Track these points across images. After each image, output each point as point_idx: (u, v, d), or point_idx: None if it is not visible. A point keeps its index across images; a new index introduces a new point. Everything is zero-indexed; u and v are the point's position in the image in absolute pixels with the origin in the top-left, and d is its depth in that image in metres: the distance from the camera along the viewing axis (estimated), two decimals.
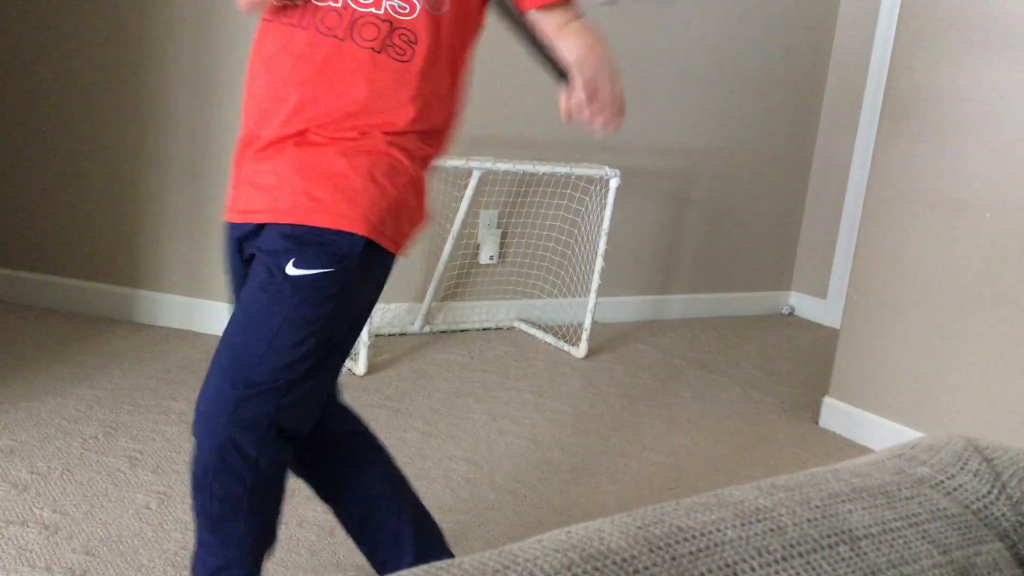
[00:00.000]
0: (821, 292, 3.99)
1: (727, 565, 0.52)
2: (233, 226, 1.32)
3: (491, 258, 3.23)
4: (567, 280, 3.41)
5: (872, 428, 2.57)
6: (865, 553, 0.56)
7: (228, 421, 1.21)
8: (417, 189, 1.30)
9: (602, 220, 3.10)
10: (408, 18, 1.23)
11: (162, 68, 2.78)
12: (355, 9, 1.22)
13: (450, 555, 1.47)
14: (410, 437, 2.28)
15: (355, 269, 1.23)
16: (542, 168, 2.85)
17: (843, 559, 0.55)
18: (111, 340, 2.71)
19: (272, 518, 1.33)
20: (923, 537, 0.59)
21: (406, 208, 1.28)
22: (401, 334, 3.08)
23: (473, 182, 2.93)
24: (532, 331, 3.24)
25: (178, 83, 2.78)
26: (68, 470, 1.92)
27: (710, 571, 0.51)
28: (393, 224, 1.25)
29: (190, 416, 2.23)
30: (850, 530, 0.57)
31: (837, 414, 2.66)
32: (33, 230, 2.91)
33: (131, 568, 1.61)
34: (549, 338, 3.17)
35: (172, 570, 1.62)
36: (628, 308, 3.62)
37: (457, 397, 2.58)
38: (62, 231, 2.90)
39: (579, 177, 3.34)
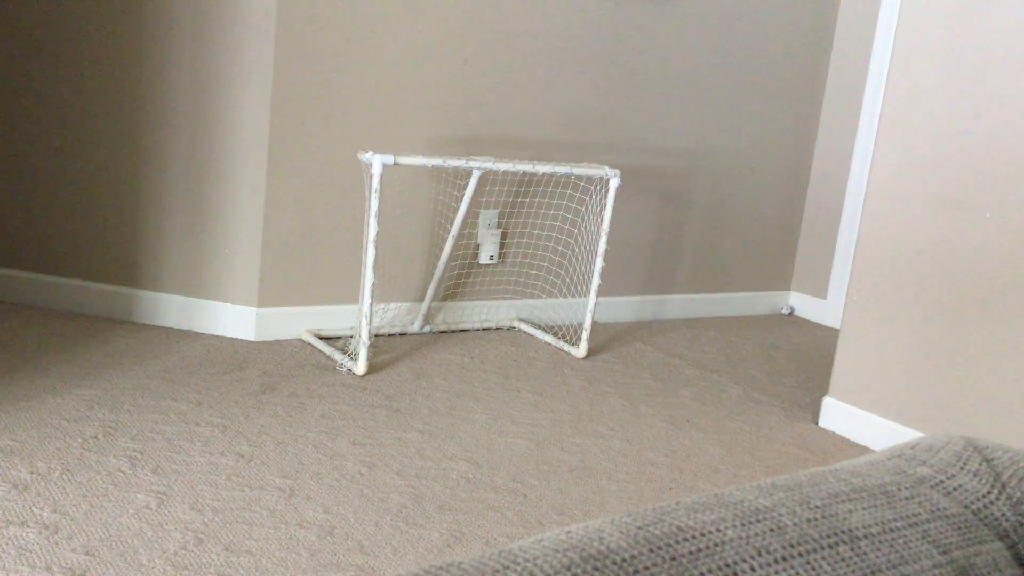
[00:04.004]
0: (821, 292, 3.99)
1: (727, 565, 0.52)
2: None
3: (491, 258, 3.23)
4: (567, 280, 3.41)
5: (872, 428, 2.57)
6: (865, 553, 0.56)
7: None
8: None
9: (602, 220, 3.10)
10: None
11: (162, 68, 2.78)
12: None
13: None
14: (410, 437, 2.28)
15: None
16: (542, 168, 2.85)
17: (843, 559, 0.55)
18: (111, 340, 2.71)
19: None
20: (923, 537, 0.59)
21: None
22: (401, 334, 3.08)
23: (473, 182, 2.93)
24: (532, 331, 3.24)
25: (178, 83, 2.78)
26: (68, 470, 1.92)
27: (710, 571, 0.51)
28: None
29: (190, 416, 2.24)
30: (850, 530, 0.57)
31: (837, 414, 2.66)
32: (33, 230, 2.91)
33: (131, 568, 1.61)
34: (549, 338, 3.17)
35: (172, 570, 1.62)
36: (628, 308, 3.62)
37: (457, 397, 2.58)
38: (62, 231, 2.90)
39: (579, 177, 3.34)
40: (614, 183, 2.98)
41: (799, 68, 3.86)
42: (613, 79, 3.36)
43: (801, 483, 0.62)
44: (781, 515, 0.57)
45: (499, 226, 3.25)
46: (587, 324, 3.05)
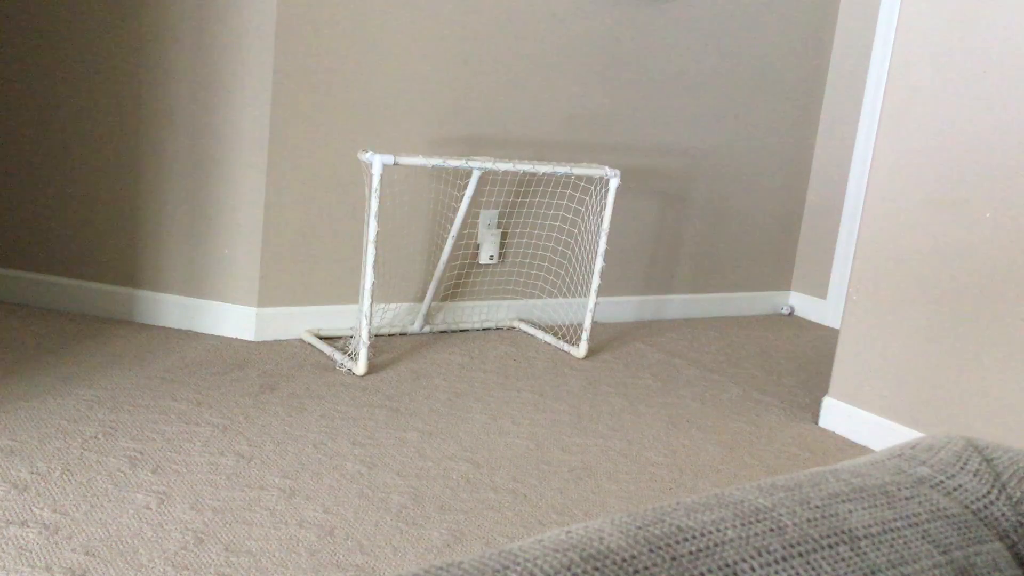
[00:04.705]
0: (821, 292, 3.99)
1: (727, 565, 0.52)
2: None
3: (491, 258, 3.23)
4: (567, 280, 3.41)
5: (872, 428, 2.57)
6: (865, 553, 0.56)
7: None
8: None
9: (602, 220, 3.10)
10: None
11: (162, 67, 2.78)
12: None
13: None
14: (410, 437, 2.28)
15: None
16: (542, 168, 2.85)
17: (843, 559, 0.55)
18: (111, 340, 2.71)
19: None
20: (923, 537, 0.59)
21: None
22: (401, 334, 3.08)
23: (473, 182, 2.93)
24: (532, 331, 3.24)
25: (178, 83, 2.78)
26: (68, 470, 1.92)
27: (710, 571, 0.51)
28: None
29: (190, 416, 2.24)
30: (850, 530, 0.57)
31: (837, 414, 2.66)
32: (33, 230, 2.91)
33: (131, 568, 1.61)
34: (549, 338, 3.17)
35: (172, 570, 1.62)
36: (628, 308, 3.62)
37: (457, 397, 2.58)
38: (62, 231, 2.90)
39: (579, 177, 3.34)
40: (614, 183, 2.98)
41: (799, 68, 3.86)
42: (613, 79, 3.36)
43: (801, 483, 0.62)
44: (781, 515, 0.57)
45: (499, 226, 3.25)
46: (587, 324, 3.05)
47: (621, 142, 3.43)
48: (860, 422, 2.60)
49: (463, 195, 3.10)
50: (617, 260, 3.54)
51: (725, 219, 3.80)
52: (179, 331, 2.86)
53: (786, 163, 3.93)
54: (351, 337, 2.97)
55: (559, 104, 3.26)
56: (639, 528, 0.53)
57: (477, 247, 3.22)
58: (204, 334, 2.86)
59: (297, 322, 2.91)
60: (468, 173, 3.10)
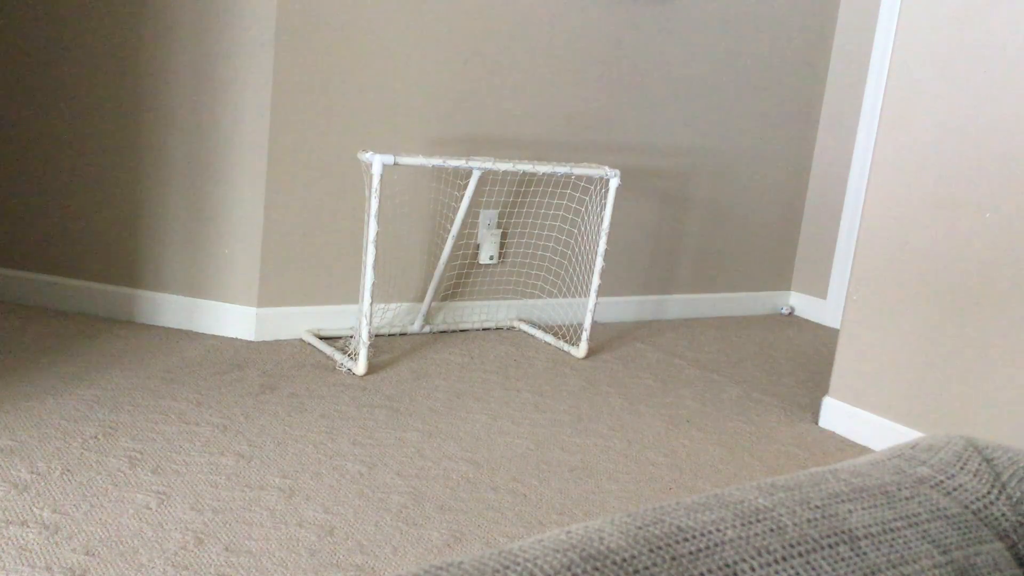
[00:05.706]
0: (821, 292, 3.99)
1: (727, 565, 0.52)
2: None
3: (491, 258, 3.23)
4: (567, 280, 3.41)
5: (872, 428, 2.57)
6: (865, 553, 0.56)
7: None
8: None
9: (602, 220, 3.10)
10: None
11: (162, 68, 2.78)
12: None
13: None
14: (410, 437, 2.28)
15: None
16: (542, 168, 2.85)
17: (843, 559, 0.55)
18: (111, 340, 2.71)
19: None
20: (923, 537, 0.59)
21: None
22: (401, 334, 3.08)
23: (473, 182, 2.93)
24: (532, 331, 3.24)
25: (178, 83, 2.78)
26: (68, 470, 1.92)
27: (710, 571, 0.51)
28: None
29: (190, 416, 2.24)
30: (850, 530, 0.57)
31: (837, 414, 2.66)
32: (33, 230, 2.91)
33: (131, 568, 1.61)
34: (549, 338, 3.17)
35: (172, 570, 1.62)
36: (628, 308, 3.62)
37: (457, 397, 2.58)
38: (62, 231, 2.90)
39: (579, 177, 3.34)
40: (614, 183, 2.98)
41: (799, 68, 3.86)
42: (613, 79, 3.36)
43: (801, 483, 0.62)
44: (781, 515, 0.57)
45: (499, 226, 3.25)
46: (587, 324, 3.05)
47: (621, 142, 3.43)
48: (860, 422, 2.60)
49: (463, 195, 3.10)
50: (617, 260, 3.54)
51: (725, 219, 3.80)
52: (179, 331, 2.86)
53: (786, 163, 3.93)
54: (351, 337, 2.97)
55: (559, 104, 3.26)
56: (639, 528, 0.53)
57: (477, 247, 3.22)
58: (204, 334, 2.86)
59: (297, 322, 2.91)
60: (468, 173, 3.10)
